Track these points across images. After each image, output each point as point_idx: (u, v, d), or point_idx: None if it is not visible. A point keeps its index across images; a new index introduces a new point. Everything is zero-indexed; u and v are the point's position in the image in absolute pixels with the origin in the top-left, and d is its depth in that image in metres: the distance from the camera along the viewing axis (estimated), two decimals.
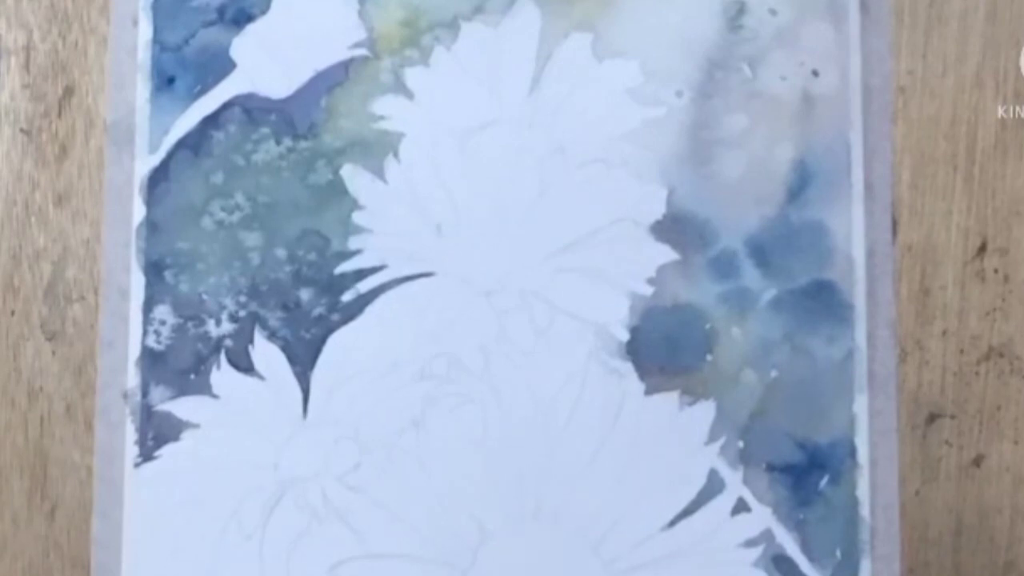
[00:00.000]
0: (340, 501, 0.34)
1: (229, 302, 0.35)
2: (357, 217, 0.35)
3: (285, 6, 0.36)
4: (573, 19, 0.36)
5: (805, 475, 0.34)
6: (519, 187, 0.35)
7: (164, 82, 0.36)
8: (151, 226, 0.35)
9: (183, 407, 0.35)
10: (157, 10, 0.36)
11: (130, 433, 0.35)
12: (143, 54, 0.36)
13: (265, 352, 0.35)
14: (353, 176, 0.35)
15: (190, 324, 0.35)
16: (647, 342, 0.35)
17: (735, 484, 0.34)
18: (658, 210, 0.35)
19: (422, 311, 0.35)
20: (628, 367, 0.35)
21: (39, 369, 0.36)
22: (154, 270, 0.35)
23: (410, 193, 0.35)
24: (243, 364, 0.35)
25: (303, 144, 0.35)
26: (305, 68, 0.36)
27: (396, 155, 0.35)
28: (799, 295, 0.35)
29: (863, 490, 0.34)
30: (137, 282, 0.35)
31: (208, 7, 0.36)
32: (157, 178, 0.35)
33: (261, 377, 0.35)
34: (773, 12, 0.36)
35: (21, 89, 0.37)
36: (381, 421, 0.35)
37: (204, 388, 0.35)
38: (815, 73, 0.36)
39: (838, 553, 0.34)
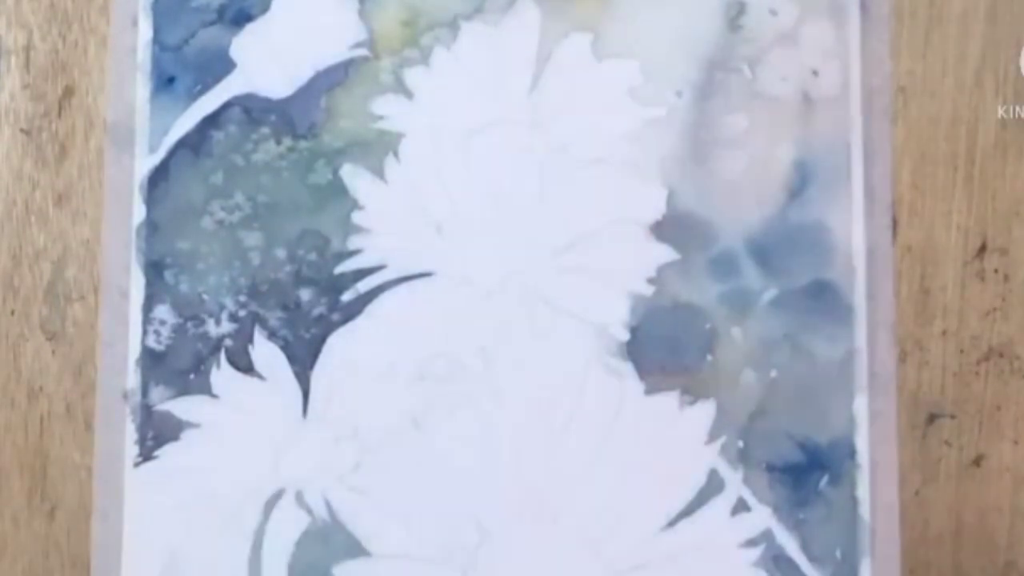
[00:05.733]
0: (340, 501, 0.34)
1: (229, 302, 0.35)
2: (357, 217, 0.35)
3: (285, 6, 0.36)
4: (573, 19, 0.36)
5: (805, 475, 0.34)
6: (519, 187, 0.35)
7: (164, 82, 0.36)
8: (151, 226, 0.35)
9: (183, 407, 0.35)
10: (157, 10, 0.36)
11: (130, 433, 0.35)
12: (143, 54, 0.36)
13: (265, 352, 0.35)
14: (353, 176, 0.35)
15: (190, 324, 0.35)
16: (647, 342, 0.35)
17: (735, 484, 0.34)
18: (658, 210, 0.35)
19: (422, 311, 0.35)
20: (628, 367, 0.35)
21: (39, 369, 0.36)
22: (154, 270, 0.35)
23: (410, 193, 0.35)
24: (243, 364, 0.35)
25: (303, 144, 0.35)
26: (305, 68, 0.36)
27: (396, 155, 0.35)
28: (799, 295, 0.35)
29: (863, 490, 0.34)
30: (137, 282, 0.35)
31: (208, 7, 0.36)
32: (157, 178, 0.35)
33: (261, 377, 0.35)
34: (773, 12, 0.36)
35: (21, 89, 0.37)
36: (381, 421, 0.35)
37: (204, 388, 0.35)
38: (815, 73, 0.36)
39: (838, 553, 0.34)
